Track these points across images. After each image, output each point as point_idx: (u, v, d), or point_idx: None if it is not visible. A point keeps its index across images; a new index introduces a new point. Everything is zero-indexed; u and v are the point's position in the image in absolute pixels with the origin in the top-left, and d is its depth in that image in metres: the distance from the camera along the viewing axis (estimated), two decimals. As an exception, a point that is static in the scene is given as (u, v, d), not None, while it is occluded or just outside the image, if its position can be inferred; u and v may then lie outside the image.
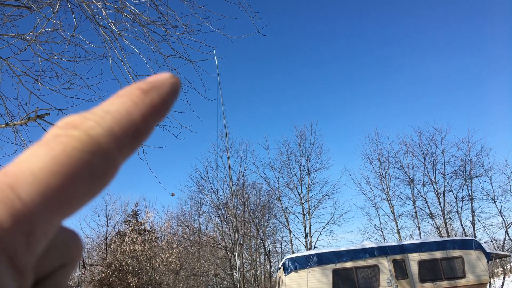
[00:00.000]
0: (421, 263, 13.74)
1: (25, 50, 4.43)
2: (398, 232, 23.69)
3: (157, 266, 21.49)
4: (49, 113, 4.44)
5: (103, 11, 4.43)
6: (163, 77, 0.25)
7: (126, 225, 24.73)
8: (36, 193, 0.19)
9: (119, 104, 0.23)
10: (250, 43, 45.37)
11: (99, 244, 26.71)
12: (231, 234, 24.11)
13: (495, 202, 21.03)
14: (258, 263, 26.98)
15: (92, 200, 0.22)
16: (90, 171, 0.21)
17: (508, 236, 19.97)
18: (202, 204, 26.48)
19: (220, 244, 25.05)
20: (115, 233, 24.22)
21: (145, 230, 23.00)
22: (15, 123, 4.45)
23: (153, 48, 5.05)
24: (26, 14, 4.28)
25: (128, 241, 21.46)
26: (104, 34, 4.74)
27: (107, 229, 26.42)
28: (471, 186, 21.99)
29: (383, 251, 13.96)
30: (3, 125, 4.40)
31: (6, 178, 0.19)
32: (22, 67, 4.67)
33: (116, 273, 20.34)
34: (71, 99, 4.92)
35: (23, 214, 0.18)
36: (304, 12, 42.58)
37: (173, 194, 7.80)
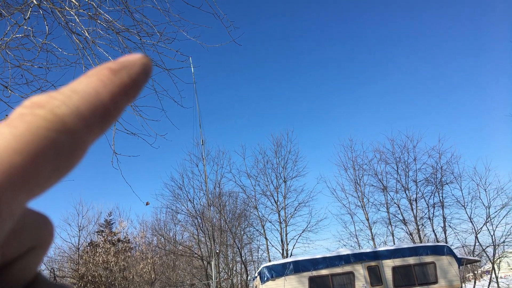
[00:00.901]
0: (395, 269, 13.97)
1: (-6, 56, 4.32)
2: (373, 239, 24.04)
3: (131, 277, 21.05)
4: (19, 121, 4.32)
5: (76, 18, 4.37)
6: (133, 57, 0.25)
7: (99, 235, 24.14)
8: None
9: (87, 84, 0.23)
10: (226, 52, 45.50)
11: (71, 256, 25.90)
12: (207, 243, 23.89)
13: (465, 208, 21.58)
14: (234, 272, 26.80)
15: (60, 180, 0.22)
16: (55, 150, 0.20)
17: (478, 242, 20.51)
18: (178, 213, 26.21)
19: (196, 253, 24.76)
20: (87, 244, 23.60)
21: (118, 240, 22.53)
22: (-18, 131, 4.31)
23: (127, 56, 4.99)
24: (-5, 20, 4.18)
25: (101, 251, 20.95)
26: (77, 41, 4.66)
27: (79, 239, 25.66)
28: (442, 193, 22.57)
29: (358, 257, 14.13)
30: (-30, 134, 4.25)
31: None
32: (-9, 74, 4.54)
33: (88, 285, 19.79)
34: (42, 106, 4.79)
35: None
36: (279, 21, 43.10)
37: (147, 203, 7.70)
